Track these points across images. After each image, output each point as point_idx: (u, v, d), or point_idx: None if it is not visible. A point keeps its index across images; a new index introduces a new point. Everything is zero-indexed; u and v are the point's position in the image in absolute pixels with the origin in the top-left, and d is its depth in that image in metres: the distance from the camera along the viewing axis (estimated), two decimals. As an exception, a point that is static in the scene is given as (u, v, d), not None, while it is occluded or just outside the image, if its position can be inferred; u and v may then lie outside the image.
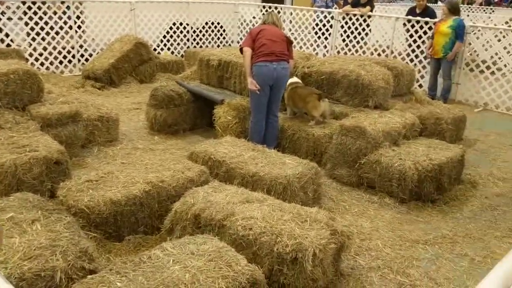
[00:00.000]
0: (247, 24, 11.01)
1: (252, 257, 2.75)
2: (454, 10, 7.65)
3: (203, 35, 10.68)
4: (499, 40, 7.79)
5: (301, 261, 2.65)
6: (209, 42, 10.86)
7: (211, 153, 4.11)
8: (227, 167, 3.94)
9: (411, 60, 8.44)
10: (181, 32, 10.26)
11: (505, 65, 7.60)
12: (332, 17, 9.48)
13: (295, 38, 10.28)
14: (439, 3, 25.39)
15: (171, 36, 10.11)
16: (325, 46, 9.79)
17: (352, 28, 9.18)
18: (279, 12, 10.45)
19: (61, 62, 8.67)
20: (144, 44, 8.12)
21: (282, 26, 5.14)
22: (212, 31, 10.82)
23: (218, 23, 10.90)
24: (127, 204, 3.27)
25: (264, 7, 10.77)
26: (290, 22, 10.44)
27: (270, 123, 5.00)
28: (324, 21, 9.61)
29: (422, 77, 8.50)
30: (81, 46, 8.81)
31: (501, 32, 7.87)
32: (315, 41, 9.98)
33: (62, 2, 8.53)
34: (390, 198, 4.32)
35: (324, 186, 4.38)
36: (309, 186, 3.89)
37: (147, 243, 3.33)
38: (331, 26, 9.54)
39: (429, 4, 9.22)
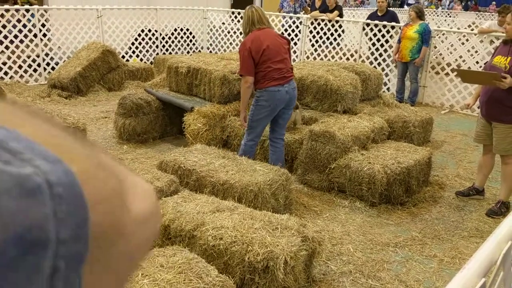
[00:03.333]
0: (217, 30, 10.99)
1: (223, 267, 2.73)
2: (420, 15, 7.84)
3: (172, 41, 10.61)
4: (462, 44, 8.01)
5: (273, 269, 2.64)
6: (179, 49, 10.79)
7: (181, 162, 4.06)
8: (197, 175, 3.91)
9: (379, 64, 8.58)
10: (150, 39, 10.16)
11: (469, 67, 7.81)
12: (300, 22, 9.57)
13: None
14: (405, 7, 26.02)
15: (140, 43, 10.00)
16: (295, 51, 9.86)
17: (321, 33, 9.29)
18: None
19: (25, 71, 8.45)
20: (111, 51, 8.01)
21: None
22: (182, 37, 10.76)
23: (187, 29, 10.85)
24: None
25: (233, 12, 10.79)
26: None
27: (278, 147, 4.54)
28: (293, 26, 9.69)
29: (389, 80, 8.65)
30: (46, 55, 8.61)
31: (464, 36, 8.09)
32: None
33: (27, 10, 8.34)
34: (361, 201, 4.36)
35: (295, 191, 4.39)
36: (280, 193, 3.89)
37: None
38: (299, 31, 9.62)
39: (394, 8, 9.41)
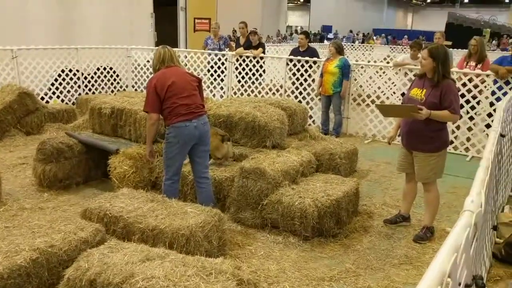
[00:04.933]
0: (141, 68, 10.85)
1: (155, 321, 2.57)
2: (340, 50, 8.22)
3: (95, 81, 10.31)
4: (379, 76, 8.47)
5: (208, 319, 2.53)
6: (102, 88, 10.49)
7: (106, 209, 3.86)
8: (125, 222, 3.72)
9: (303, 98, 8.83)
10: (71, 79, 9.79)
11: (387, 98, 8.24)
12: (226, 59, 9.69)
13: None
14: (325, 41, 27.33)
15: (60, 84, 9.60)
16: (222, 88, 9.94)
17: (247, 69, 9.46)
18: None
19: None
20: (29, 93, 7.59)
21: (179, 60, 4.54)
22: (105, 76, 10.50)
23: (111, 68, 10.60)
24: (10, 277, 2.92)
25: (158, 51, 10.70)
26: (185, 65, 10.48)
27: (203, 187, 4.49)
28: (219, 63, 9.79)
29: (314, 113, 8.91)
30: (-45, 99, 8.01)
31: (381, 69, 8.56)
32: (212, 83, 10.10)
33: None
34: (294, 236, 4.36)
35: (228, 231, 4.30)
36: (213, 234, 3.79)
37: (37, 318, 2.99)
38: (225, 68, 9.73)
39: (314, 43, 9.81)
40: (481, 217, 1.68)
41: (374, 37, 32.33)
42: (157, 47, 4.50)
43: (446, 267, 1.20)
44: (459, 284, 1.42)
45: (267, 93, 9.46)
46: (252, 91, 9.47)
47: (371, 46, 22.33)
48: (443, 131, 4.28)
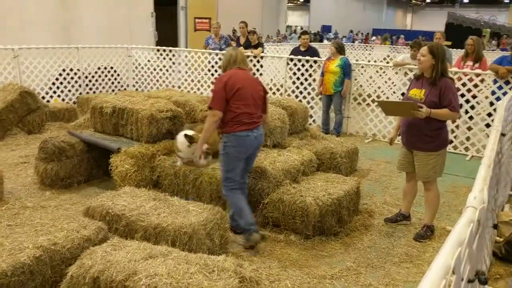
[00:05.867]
0: (142, 68, 10.87)
1: (158, 317, 2.59)
2: (340, 50, 8.23)
3: (96, 80, 10.33)
4: (380, 76, 8.49)
5: (211, 316, 2.55)
6: (103, 87, 10.51)
7: (108, 207, 3.88)
8: (127, 220, 3.74)
9: (304, 97, 8.85)
10: (72, 78, 9.81)
11: (387, 98, 8.25)
12: (226, 59, 9.69)
13: (192, 81, 10.33)
14: (325, 41, 27.34)
15: (61, 83, 9.62)
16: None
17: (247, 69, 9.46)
18: (174, 55, 10.48)
19: None
20: (30, 92, 7.62)
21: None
22: (106, 75, 10.51)
23: (112, 68, 10.62)
24: (14, 274, 2.93)
25: (158, 50, 10.74)
26: (186, 64, 10.50)
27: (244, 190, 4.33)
28: (220, 63, 9.79)
29: (315, 112, 8.93)
30: (-44, 98, 8.03)
31: (381, 68, 8.58)
32: (212, 82, 10.10)
33: None
34: (295, 235, 4.38)
35: (230, 229, 4.32)
36: (215, 232, 3.81)
37: (40, 315, 3.01)
38: (226, 68, 9.73)
39: (314, 43, 9.82)
40: (484, 213, 1.70)
41: (374, 37, 32.37)
42: (227, 49, 4.29)
43: (450, 261, 1.22)
44: (462, 279, 1.44)
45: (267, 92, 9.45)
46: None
47: (388, 47, 22.28)
48: (443, 130, 4.29)
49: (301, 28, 34.27)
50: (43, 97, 9.14)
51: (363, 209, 5.08)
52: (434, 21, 43.35)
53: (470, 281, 1.52)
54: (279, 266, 3.85)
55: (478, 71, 7.31)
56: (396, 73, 8.20)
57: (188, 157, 4.92)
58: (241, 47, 9.64)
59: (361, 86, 8.62)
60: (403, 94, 7.46)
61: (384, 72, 8.47)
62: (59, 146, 5.30)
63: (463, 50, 7.93)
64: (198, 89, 10.27)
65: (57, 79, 9.55)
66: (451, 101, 4.11)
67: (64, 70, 9.63)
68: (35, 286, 3.07)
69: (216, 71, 9.86)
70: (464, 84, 7.28)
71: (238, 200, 4.12)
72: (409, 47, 9.37)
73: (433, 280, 1.11)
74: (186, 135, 4.82)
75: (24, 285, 3.00)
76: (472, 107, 7.36)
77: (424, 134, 4.23)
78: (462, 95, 7.19)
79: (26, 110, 7.56)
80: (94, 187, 5.51)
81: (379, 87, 8.44)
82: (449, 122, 5.29)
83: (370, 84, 8.52)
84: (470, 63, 7.56)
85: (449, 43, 14.12)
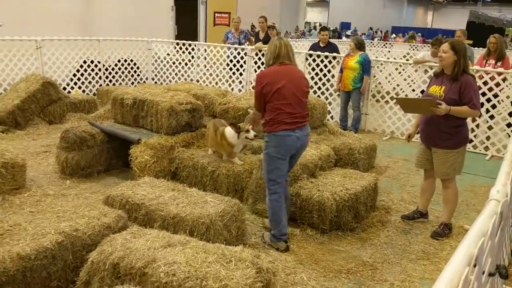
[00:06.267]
0: (161, 61, 10.95)
1: (177, 304, 2.63)
2: (360, 46, 8.19)
3: (116, 72, 10.45)
4: (399, 73, 8.42)
5: (228, 304, 2.58)
6: (123, 80, 10.63)
7: (128, 196, 3.94)
8: (146, 209, 3.80)
9: (322, 93, 8.84)
10: (93, 70, 9.95)
11: (406, 95, 8.19)
12: (245, 53, 9.73)
13: (211, 75, 10.38)
14: (344, 38, 27.18)
15: (82, 75, 9.76)
16: (240, 82, 9.98)
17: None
18: (193, 49, 10.53)
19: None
20: (52, 83, 7.74)
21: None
22: (126, 68, 10.62)
23: (132, 60, 10.73)
24: (37, 258, 3.01)
25: (178, 43, 10.80)
26: (205, 58, 10.55)
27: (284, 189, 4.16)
28: (238, 57, 9.83)
29: (333, 109, 8.91)
30: (-19, 87, 8.22)
31: (400, 66, 8.51)
32: (230, 77, 10.15)
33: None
34: (312, 229, 4.40)
35: (247, 222, 4.36)
36: (232, 224, 3.85)
37: (61, 299, 3.08)
38: (244, 62, 9.77)
39: (333, 40, 9.78)
40: (506, 206, 1.70)
41: (394, 35, 32.05)
42: (272, 39, 4.05)
43: (474, 250, 1.23)
44: (483, 273, 1.44)
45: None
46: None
47: (412, 45, 22.01)
48: (462, 128, 4.25)
49: (320, 25, 34.15)
50: (64, 88, 9.28)
51: (380, 205, 5.06)
52: (456, 20, 42.73)
53: (490, 274, 1.53)
54: (295, 260, 3.86)
55: (500, 69, 7.21)
56: (416, 70, 8.13)
57: (239, 147, 4.97)
58: (260, 42, 9.66)
59: (379, 83, 8.57)
60: (422, 91, 7.39)
61: (403, 69, 8.41)
62: (80, 136, 5.39)
63: (485, 49, 7.82)
64: (217, 83, 10.32)
65: (78, 70, 9.69)
66: (472, 99, 4.06)
67: (85, 62, 9.76)
68: (56, 270, 3.14)
69: (234, 65, 9.88)
70: (485, 83, 7.19)
71: (278, 209, 3.99)
72: (429, 45, 9.27)
73: (456, 269, 1.12)
74: (231, 124, 4.90)
75: (46, 269, 3.07)
76: (493, 106, 7.27)
77: (442, 131, 4.19)
78: (483, 94, 7.10)
79: (47, 101, 7.68)
80: (113, 177, 5.59)
81: (398, 85, 8.38)
82: (469, 121, 5.23)
83: (389, 82, 8.47)
84: (492, 61, 7.46)
85: (470, 41, 13.89)
